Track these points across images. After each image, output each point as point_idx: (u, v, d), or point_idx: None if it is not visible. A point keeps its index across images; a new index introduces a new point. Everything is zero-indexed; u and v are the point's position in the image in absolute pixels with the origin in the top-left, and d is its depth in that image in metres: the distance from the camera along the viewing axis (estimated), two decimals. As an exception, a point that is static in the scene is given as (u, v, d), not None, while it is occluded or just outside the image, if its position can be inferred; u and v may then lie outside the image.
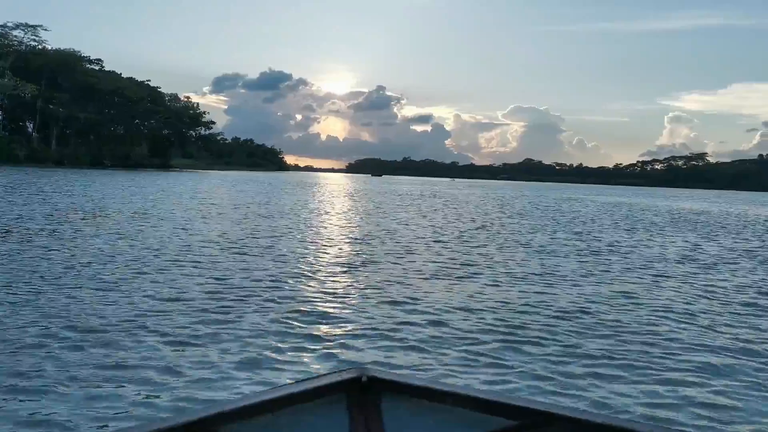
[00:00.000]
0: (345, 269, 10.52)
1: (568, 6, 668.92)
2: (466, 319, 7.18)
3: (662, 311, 8.04)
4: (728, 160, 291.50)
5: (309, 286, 8.90)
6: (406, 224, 20.23)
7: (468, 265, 11.52)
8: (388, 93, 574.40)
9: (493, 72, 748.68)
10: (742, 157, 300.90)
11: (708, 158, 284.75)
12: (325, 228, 18.04)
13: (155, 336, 5.98)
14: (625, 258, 13.46)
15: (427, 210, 29.49)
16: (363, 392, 1.91)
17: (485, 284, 9.52)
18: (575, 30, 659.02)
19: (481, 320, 7.15)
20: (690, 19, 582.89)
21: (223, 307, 7.31)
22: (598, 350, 6.13)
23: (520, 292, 8.98)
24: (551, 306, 8.06)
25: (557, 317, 7.47)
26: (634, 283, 10.21)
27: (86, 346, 5.64)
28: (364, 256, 12.21)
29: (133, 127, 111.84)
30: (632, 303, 8.50)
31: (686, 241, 18.21)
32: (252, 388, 4.67)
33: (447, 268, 11.04)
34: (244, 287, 8.46)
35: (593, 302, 8.42)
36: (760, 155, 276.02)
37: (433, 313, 7.41)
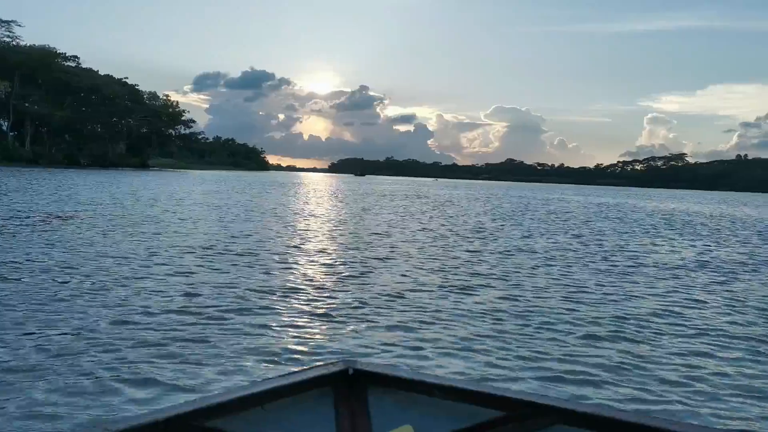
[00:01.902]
0: (336, 280, 9.35)
1: (550, 8, 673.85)
2: (487, 345, 6.08)
3: (716, 333, 6.99)
4: (706, 160, 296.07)
5: (295, 300, 7.72)
6: (398, 228, 19.11)
7: (474, 274, 10.41)
8: (371, 93, 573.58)
9: (475, 72, 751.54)
10: (719, 158, 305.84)
11: (687, 159, 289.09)
12: (312, 232, 16.84)
13: (118, 355, 4.81)
14: (641, 265, 12.45)
15: (417, 211, 28.40)
16: (349, 385, 1.92)
17: (499, 299, 8.40)
18: (556, 31, 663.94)
19: (506, 347, 6.05)
20: (668, 21, 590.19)
21: (194, 323, 6.15)
22: (650, 382, 5.07)
23: (540, 308, 7.88)
24: (580, 325, 6.97)
25: (590, 340, 6.39)
26: (662, 295, 9.17)
27: (36, 369, 4.67)
28: (356, 264, 11.04)
29: (110, 125, 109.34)
30: (672, 323, 7.42)
31: (693, 245, 17.31)
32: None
33: (451, 278, 9.92)
34: (220, 302, 7.26)
35: (626, 320, 7.34)
36: (738, 156, 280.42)
37: (447, 339, 6.28)
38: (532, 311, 7.67)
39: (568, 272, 11.06)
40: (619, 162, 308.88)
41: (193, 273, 9.33)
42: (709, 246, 17.29)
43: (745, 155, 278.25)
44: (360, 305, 7.62)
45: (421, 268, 10.84)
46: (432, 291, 8.77)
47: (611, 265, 12.20)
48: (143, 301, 7.29)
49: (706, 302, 8.80)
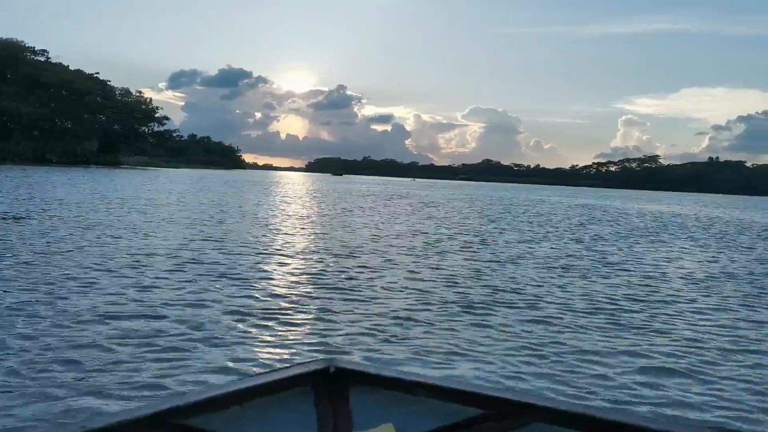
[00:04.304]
0: (324, 295, 7.93)
1: (527, 9, 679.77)
2: (522, 376, 4.77)
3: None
4: (679, 162, 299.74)
5: (275, 318, 6.33)
6: (386, 231, 17.74)
7: (483, 286, 9.08)
8: (349, 92, 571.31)
9: (452, 73, 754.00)
10: (692, 160, 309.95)
11: (660, 160, 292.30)
12: (292, 237, 15.39)
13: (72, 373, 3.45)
14: (663, 276, 11.27)
15: (403, 213, 27.08)
16: (330, 383, 1.90)
17: (521, 318, 7.09)
18: (533, 33, 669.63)
19: (543, 374, 4.75)
20: (642, 24, 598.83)
21: (157, 342, 4.77)
22: None
23: (574, 329, 6.60)
24: (635, 354, 5.70)
25: (655, 375, 5.12)
26: (708, 312, 7.94)
27: None
28: (346, 274, 9.65)
29: (81, 122, 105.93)
30: (742, 349, 6.18)
31: (705, 252, 16.24)
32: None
33: (459, 291, 8.57)
34: (189, 320, 5.86)
35: (682, 342, 6.09)
36: (710, 158, 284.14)
37: (473, 370, 4.96)
38: (565, 332, 6.38)
39: (588, 284, 9.81)
40: (594, 163, 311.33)
41: (155, 286, 7.85)
42: (723, 252, 16.24)
43: (717, 157, 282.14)
44: (357, 327, 6.25)
45: (421, 279, 9.51)
46: (441, 308, 7.43)
47: (632, 276, 11.00)
48: (96, 314, 5.83)
49: (764, 321, 7.60)
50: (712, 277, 11.50)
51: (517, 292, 8.78)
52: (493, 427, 1.73)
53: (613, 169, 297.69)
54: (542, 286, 9.46)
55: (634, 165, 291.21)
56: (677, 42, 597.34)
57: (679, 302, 8.68)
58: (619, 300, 8.58)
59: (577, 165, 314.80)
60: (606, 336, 6.49)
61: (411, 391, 1.82)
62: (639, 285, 10.01)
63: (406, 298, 8.00)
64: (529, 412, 1.68)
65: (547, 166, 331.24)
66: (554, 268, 11.53)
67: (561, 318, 7.25)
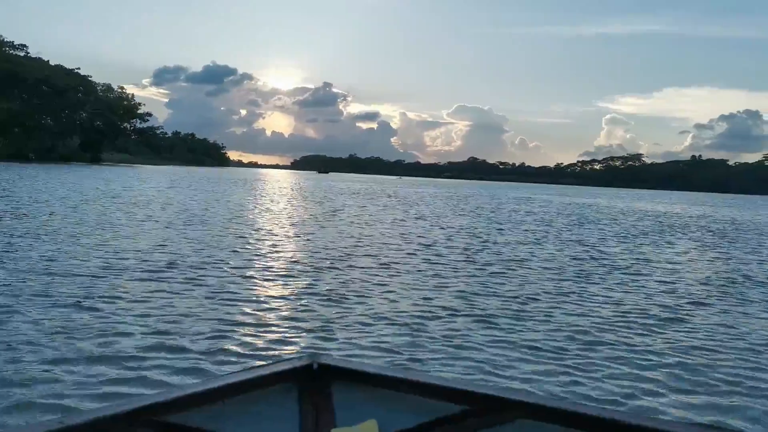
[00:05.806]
0: (320, 307, 7.07)
1: (513, 10, 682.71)
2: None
3: None
4: (662, 161, 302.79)
5: (264, 339, 5.47)
6: (379, 232, 16.88)
7: (494, 295, 8.23)
8: (335, 90, 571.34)
9: (438, 72, 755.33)
10: (674, 158, 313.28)
11: (643, 159, 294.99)
12: (281, 241, 14.49)
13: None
14: (681, 281, 10.52)
15: (393, 212, 26.24)
16: (314, 379, 1.90)
17: (543, 330, 6.26)
18: (519, 33, 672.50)
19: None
20: (627, 25, 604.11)
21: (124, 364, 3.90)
22: None
23: (604, 342, 5.80)
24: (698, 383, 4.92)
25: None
26: (747, 319, 7.20)
27: None
28: (341, 280, 8.78)
29: (61, 118, 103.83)
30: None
31: (716, 253, 15.57)
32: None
33: (467, 299, 7.73)
34: (162, 329, 4.98)
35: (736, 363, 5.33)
36: (693, 156, 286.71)
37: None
38: (599, 349, 5.58)
39: (603, 291, 9.02)
40: (578, 161, 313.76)
41: (124, 295, 6.93)
42: (731, 254, 15.55)
43: (699, 156, 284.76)
44: (353, 338, 5.40)
45: (420, 283, 8.66)
46: (443, 314, 6.59)
47: (647, 282, 10.24)
48: (60, 322, 4.93)
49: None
50: (731, 280, 10.78)
51: (532, 298, 7.96)
52: (477, 422, 1.72)
53: (597, 167, 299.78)
54: (552, 293, 8.65)
55: (618, 163, 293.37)
56: (661, 42, 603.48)
57: (707, 306, 7.92)
58: (642, 307, 7.80)
59: (561, 163, 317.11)
60: (636, 347, 5.70)
61: (394, 388, 1.80)
62: (657, 290, 9.25)
63: (404, 303, 7.16)
64: (513, 408, 1.68)
65: (532, 165, 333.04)
66: (561, 272, 10.74)
67: (582, 327, 6.45)
